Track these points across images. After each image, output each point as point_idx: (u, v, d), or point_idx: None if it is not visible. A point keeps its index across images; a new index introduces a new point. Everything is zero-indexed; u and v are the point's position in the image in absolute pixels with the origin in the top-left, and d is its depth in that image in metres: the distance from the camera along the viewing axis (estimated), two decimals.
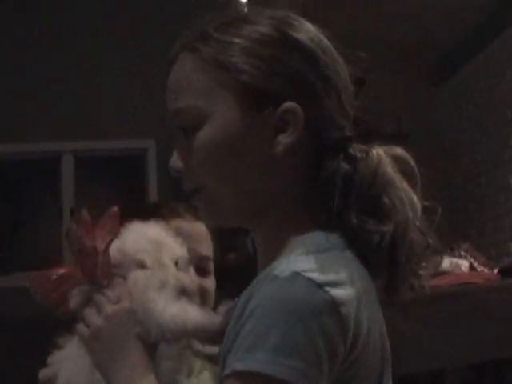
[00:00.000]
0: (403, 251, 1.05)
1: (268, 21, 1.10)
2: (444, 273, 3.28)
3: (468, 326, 2.94)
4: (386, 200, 1.04)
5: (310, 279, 0.93)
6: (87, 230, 1.33)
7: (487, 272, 3.39)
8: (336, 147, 1.07)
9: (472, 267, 3.41)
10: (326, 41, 1.14)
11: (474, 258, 3.45)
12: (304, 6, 4.97)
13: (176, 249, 1.40)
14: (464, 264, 3.38)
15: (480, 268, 3.42)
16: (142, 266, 1.35)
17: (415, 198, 1.09)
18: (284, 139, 1.05)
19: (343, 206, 1.04)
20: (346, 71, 1.14)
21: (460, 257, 3.44)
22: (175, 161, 1.13)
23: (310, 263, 0.96)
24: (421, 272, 1.09)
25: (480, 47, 6.58)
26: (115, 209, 1.37)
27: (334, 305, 0.93)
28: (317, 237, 1.03)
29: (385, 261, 1.05)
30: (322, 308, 0.92)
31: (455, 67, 7.02)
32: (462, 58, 6.90)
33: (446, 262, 3.36)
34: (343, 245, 1.03)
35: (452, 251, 3.49)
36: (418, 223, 1.08)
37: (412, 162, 1.12)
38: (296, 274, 0.94)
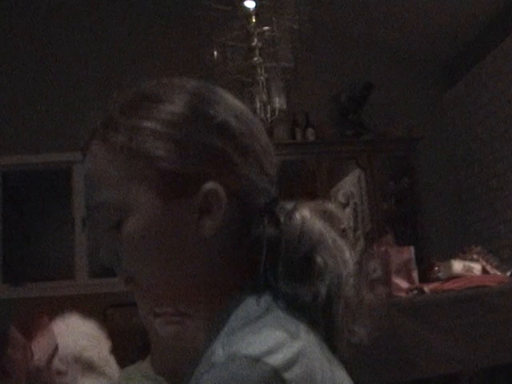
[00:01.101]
0: (338, 309, 1.01)
1: (179, 97, 1.05)
2: (457, 276, 3.27)
3: (481, 329, 2.93)
4: (318, 259, 1.00)
5: (245, 356, 0.89)
6: (24, 353, 1.29)
7: (500, 275, 3.38)
8: (261, 212, 1.04)
9: (484, 270, 3.39)
10: (241, 106, 1.09)
11: (487, 261, 3.44)
12: (311, 13, 4.97)
13: (107, 340, 1.39)
14: (476, 267, 3.37)
15: (493, 271, 3.40)
16: (89, 366, 1.33)
17: (348, 253, 1.04)
18: (209, 221, 1.02)
19: (271, 273, 1.01)
20: (264, 131, 1.10)
21: (472, 260, 3.43)
22: (104, 256, 1.08)
23: (242, 339, 0.93)
24: (357, 329, 1.04)
25: (488, 49, 6.57)
26: (45, 318, 1.33)
27: (277, 374, 0.89)
28: (248, 305, 1.00)
29: (320, 319, 1.01)
30: (266, 381, 0.88)
31: (464, 70, 7.02)
32: (471, 61, 6.89)
33: (459, 266, 3.35)
34: (275, 306, 1.00)
35: (464, 254, 3.48)
36: (352, 279, 1.03)
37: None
38: (231, 356, 0.90)
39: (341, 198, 4.85)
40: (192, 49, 6.02)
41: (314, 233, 1.02)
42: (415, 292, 3.12)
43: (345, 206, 4.76)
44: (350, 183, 6.38)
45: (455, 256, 3.45)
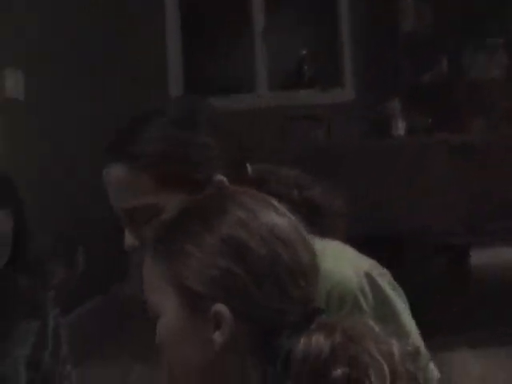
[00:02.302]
0: None
1: (221, 224, 1.13)
2: None
3: None
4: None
5: None
6: None
7: None
8: (278, 331, 1.10)
9: None
10: (276, 225, 1.15)
11: None
12: None
13: None
14: None
15: None
16: None
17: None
18: (218, 337, 1.11)
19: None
20: (302, 250, 1.14)
21: None
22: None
23: None
24: None
25: None
26: None
27: None
28: None
29: None
30: None
31: None
32: None
33: None
34: None
35: None
36: None
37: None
38: None
39: None
40: None
41: (319, 356, 1.05)
42: None
43: None
44: None
45: None
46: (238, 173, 1.44)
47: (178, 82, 6.63)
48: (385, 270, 1.47)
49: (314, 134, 5.75)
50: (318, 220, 1.37)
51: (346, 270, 1.38)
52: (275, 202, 1.20)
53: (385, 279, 1.44)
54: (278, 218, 1.16)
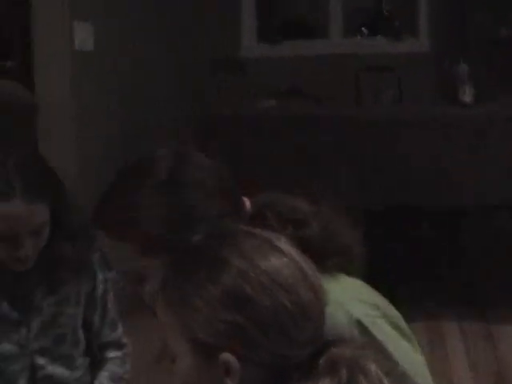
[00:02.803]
0: None
1: (225, 275, 1.14)
2: None
3: None
4: None
5: None
6: None
7: None
8: (290, 372, 1.12)
9: None
10: (281, 271, 1.15)
11: None
12: None
13: None
14: None
15: None
16: None
17: None
18: (229, 382, 1.13)
19: None
20: (307, 290, 1.15)
21: None
22: None
23: None
24: None
25: None
26: None
27: None
28: None
29: None
30: None
31: None
32: None
33: None
34: None
35: None
36: None
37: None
38: None
39: None
40: None
41: None
42: None
43: None
44: None
45: None
46: (232, 216, 1.36)
47: (252, 30, 6.58)
48: (389, 311, 1.40)
49: (385, 90, 5.65)
50: (317, 261, 1.24)
51: (338, 316, 1.31)
52: (275, 239, 1.19)
53: (383, 323, 1.36)
54: (278, 260, 1.16)
